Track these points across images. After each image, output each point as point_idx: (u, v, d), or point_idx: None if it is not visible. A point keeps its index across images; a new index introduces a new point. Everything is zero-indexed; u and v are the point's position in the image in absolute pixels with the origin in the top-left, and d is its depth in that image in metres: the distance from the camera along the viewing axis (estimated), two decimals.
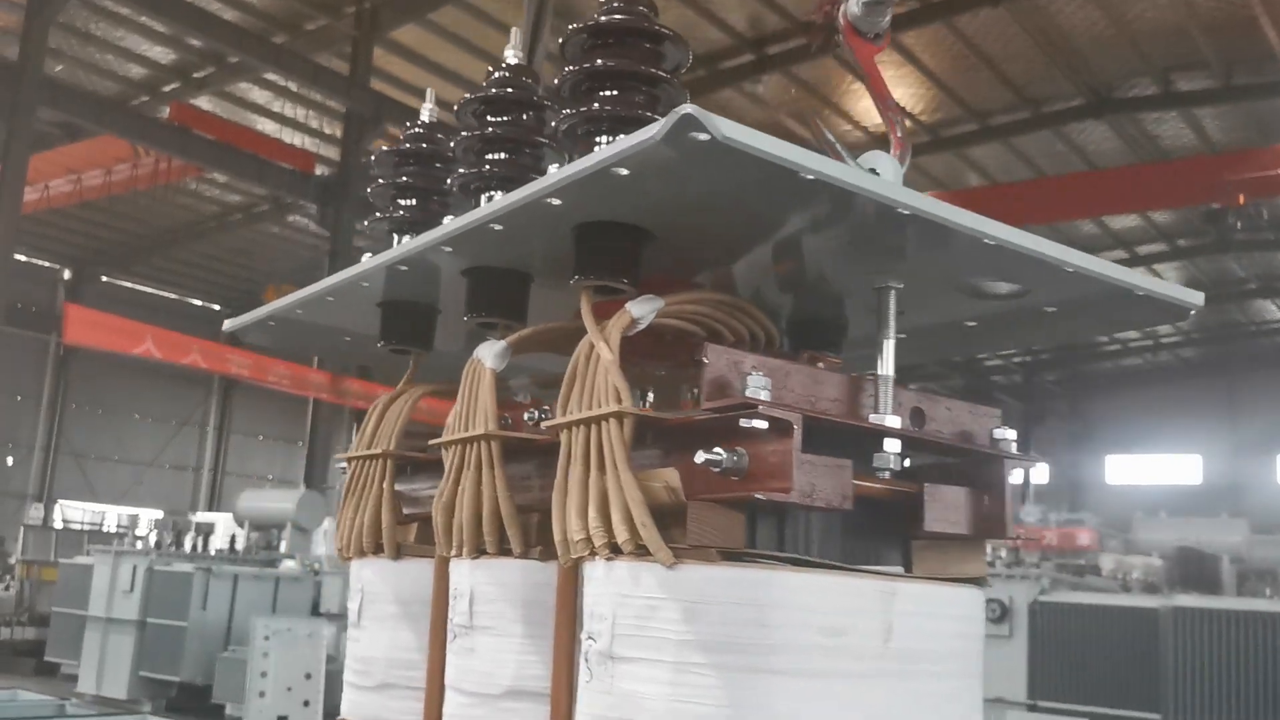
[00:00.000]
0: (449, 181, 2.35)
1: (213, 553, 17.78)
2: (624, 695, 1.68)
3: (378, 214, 2.59)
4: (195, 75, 23.79)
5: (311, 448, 22.94)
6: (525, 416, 2.11)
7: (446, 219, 2.27)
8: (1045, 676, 11.78)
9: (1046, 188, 24.60)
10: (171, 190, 25.13)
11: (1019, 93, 23.07)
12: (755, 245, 1.92)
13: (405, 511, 2.45)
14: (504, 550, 2.06)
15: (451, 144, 2.48)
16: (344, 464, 2.64)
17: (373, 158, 2.62)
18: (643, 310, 1.86)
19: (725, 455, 1.66)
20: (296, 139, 25.51)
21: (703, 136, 1.49)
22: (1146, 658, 10.87)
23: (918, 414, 1.89)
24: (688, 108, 1.46)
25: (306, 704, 14.29)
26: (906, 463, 1.84)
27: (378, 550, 2.42)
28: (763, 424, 1.64)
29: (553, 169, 1.94)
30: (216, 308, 34.44)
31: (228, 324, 2.77)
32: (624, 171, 1.64)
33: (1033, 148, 24.94)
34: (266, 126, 25.38)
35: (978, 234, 1.69)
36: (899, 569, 1.94)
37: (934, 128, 24.24)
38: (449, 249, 2.07)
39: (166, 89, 24.13)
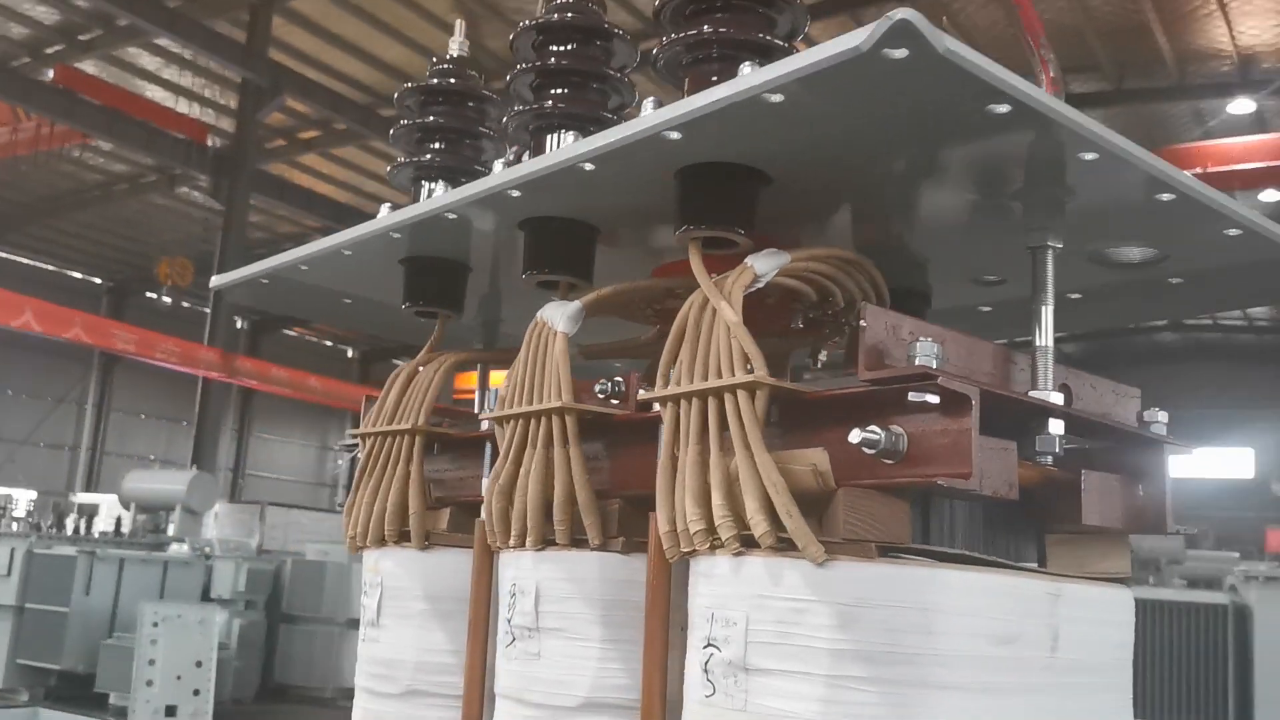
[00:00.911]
0: (504, 121, 2.06)
1: (96, 535, 16.99)
2: (762, 713, 1.43)
3: (400, 159, 2.29)
4: (81, 38, 22.65)
5: (200, 427, 22.08)
6: (596, 389, 1.84)
7: (498, 165, 1.99)
8: None
9: None
10: (54, 157, 23.90)
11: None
12: (889, 194, 1.68)
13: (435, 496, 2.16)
14: (576, 541, 1.80)
15: (481, 82, 2.20)
16: (355, 441, 2.34)
17: (395, 96, 2.32)
18: (767, 265, 1.61)
19: (883, 434, 1.43)
20: (189, 108, 24.52)
21: (898, 54, 1.25)
22: None
23: (1065, 391, 1.67)
24: (905, 12, 1.21)
25: (197, 693, 13.73)
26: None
27: (402, 539, 2.13)
28: (934, 398, 1.41)
29: (648, 105, 1.68)
30: (98, 281, 33.05)
31: (215, 280, 2.44)
32: (776, 99, 1.39)
33: None
34: (157, 94, 24.33)
35: (1194, 192, 1.49)
36: (1034, 567, 1.73)
37: None
38: (517, 193, 1.78)
39: (50, 51, 22.94)
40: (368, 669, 2.14)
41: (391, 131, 2.31)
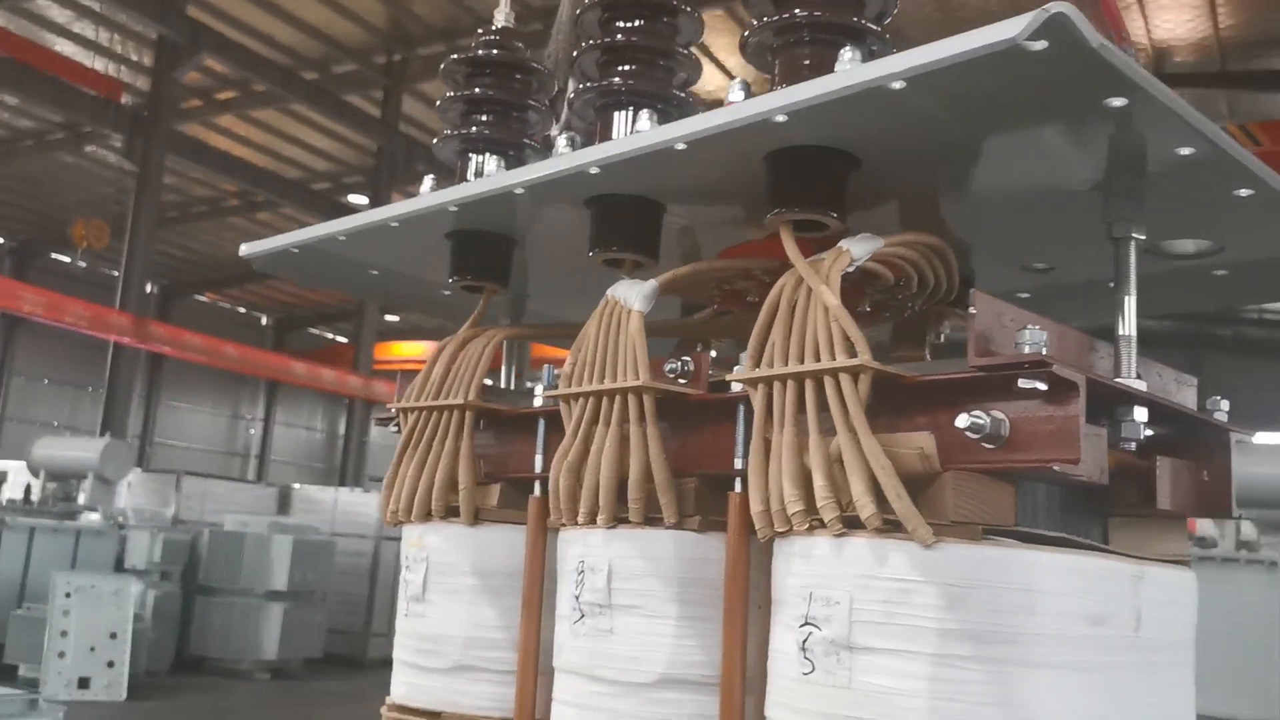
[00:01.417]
0: (569, 96, 2.05)
1: (4, 503, 16.53)
2: (868, 691, 1.46)
3: (447, 131, 2.26)
4: None
5: (110, 394, 21.53)
6: (666, 368, 1.84)
7: (561, 141, 1.98)
8: None
9: None
10: None
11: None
12: (975, 180, 1.71)
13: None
14: (648, 520, 1.81)
15: (527, 53, 2.18)
16: (392, 415, 2.32)
17: (441, 67, 2.29)
18: (863, 249, 1.64)
19: (988, 420, 1.46)
20: (102, 66, 23.78)
21: (1038, 45, 1.28)
22: None
23: (1139, 378, 1.72)
24: (1060, 6, 1.24)
25: (111, 665, 13.48)
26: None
27: (449, 514, 2.12)
28: (1044, 385, 1.44)
29: (735, 88, 1.69)
30: (1, 240, 31.99)
31: (245, 249, 2.39)
32: (898, 85, 1.41)
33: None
34: (67, 49, 23.56)
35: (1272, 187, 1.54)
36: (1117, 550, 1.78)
37: None
38: (596, 170, 1.78)
39: None
40: (411, 644, 2.13)
41: (438, 103, 2.28)
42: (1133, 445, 1.61)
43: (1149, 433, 1.64)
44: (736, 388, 1.74)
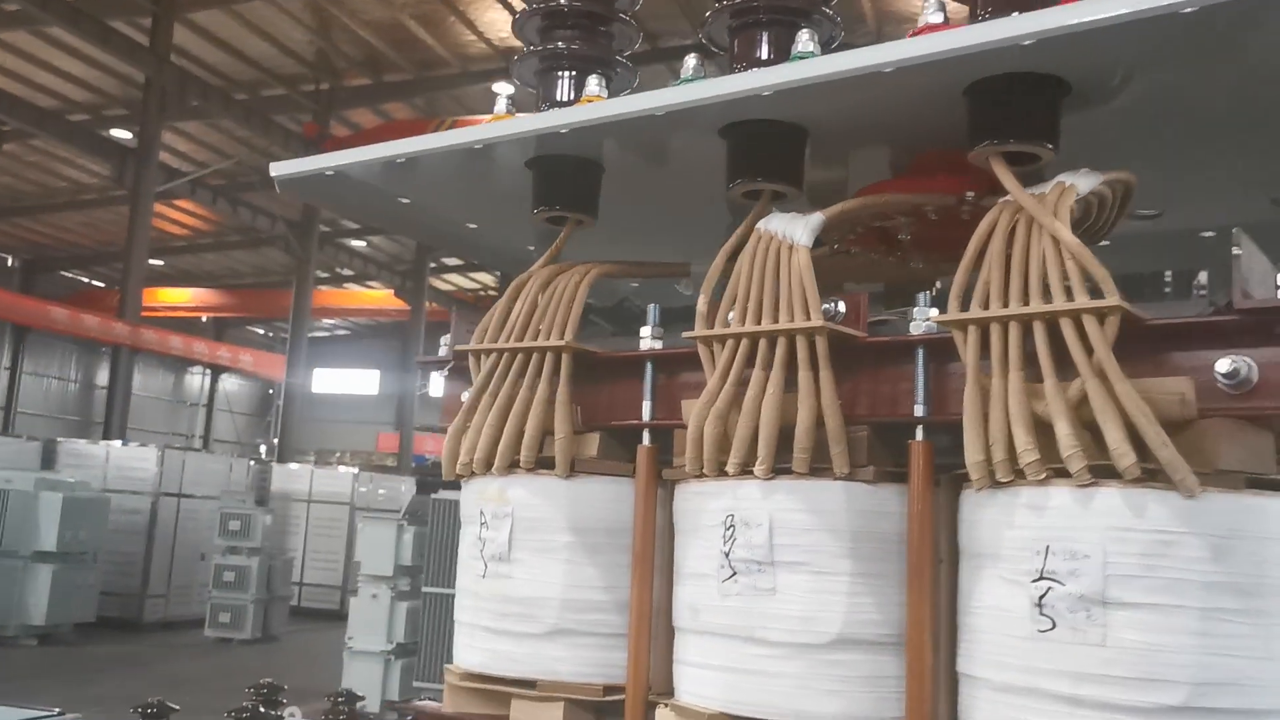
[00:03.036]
0: (708, 16, 1.87)
1: None
2: (1126, 647, 1.39)
3: (529, 47, 2.05)
4: None
5: None
6: (823, 308, 1.72)
7: (689, 61, 1.82)
8: None
9: None
10: None
11: (640, 24, 23.39)
12: (1163, 121, 1.66)
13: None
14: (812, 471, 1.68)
15: None
16: (443, 358, 2.10)
17: None
18: (1087, 184, 1.55)
19: (1244, 364, 1.41)
20: None
21: None
22: None
23: None
24: None
25: None
26: None
27: (538, 466, 1.93)
28: None
29: (930, 8, 1.57)
30: None
31: (276, 168, 2.11)
32: (1190, 9, 1.33)
33: (645, 79, 25.42)
34: None
35: None
36: None
37: None
38: (769, 94, 1.63)
39: None
40: (492, 607, 1.94)
41: (514, 19, 2.06)
42: None
43: None
44: (918, 329, 1.64)
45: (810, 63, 1.63)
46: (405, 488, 22.44)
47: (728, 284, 1.80)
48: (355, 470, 21.50)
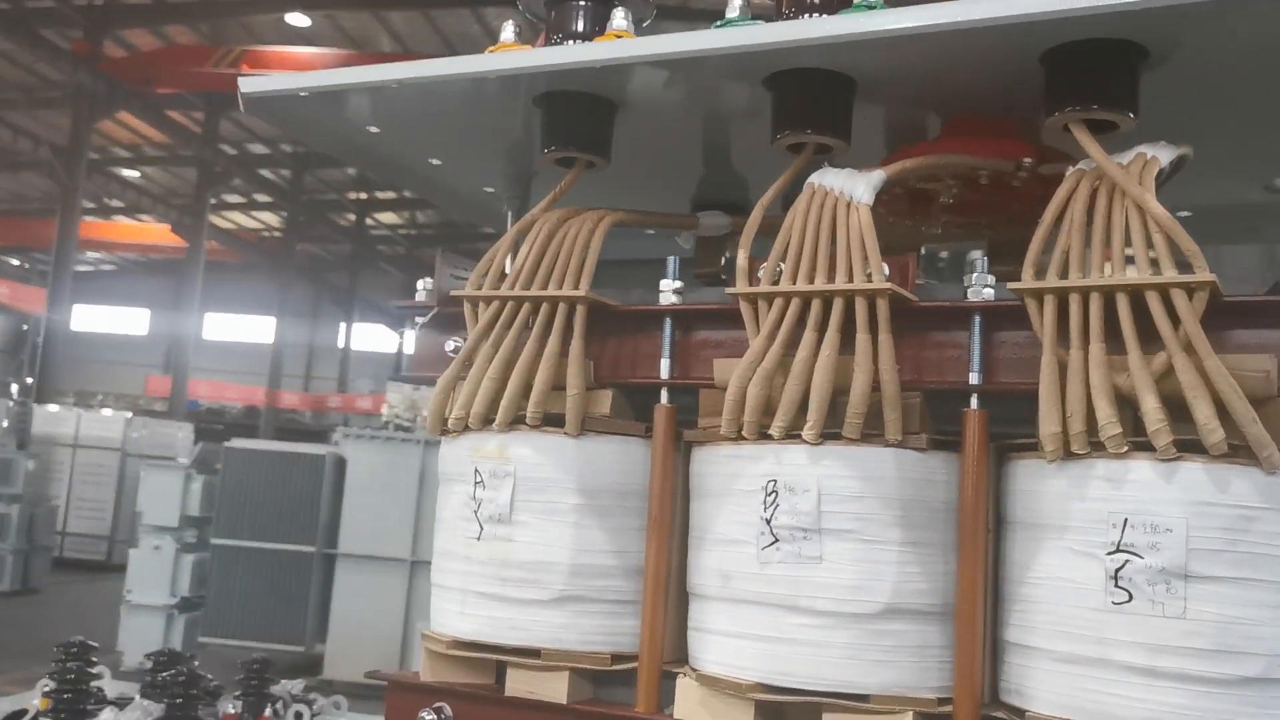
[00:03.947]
0: None
1: None
2: (1206, 619, 1.41)
3: None
4: None
5: None
6: None
7: (736, 2, 1.72)
8: None
9: None
10: None
11: None
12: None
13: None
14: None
15: None
16: (426, 303, 1.96)
17: None
18: (1168, 156, 1.55)
19: None
20: None
21: None
22: None
23: None
24: None
25: None
26: None
27: (544, 423, 1.81)
28: None
29: None
30: None
31: (246, 84, 1.90)
32: None
33: (449, 24, 24.89)
34: None
35: None
36: None
37: None
38: (830, 43, 1.57)
39: None
40: (490, 571, 1.82)
41: None
42: None
43: None
44: (979, 295, 1.61)
45: (884, 14, 1.57)
46: (182, 434, 21.44)
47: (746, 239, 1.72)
48: (128, 415, 20.37)
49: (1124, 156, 1.56)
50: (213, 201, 28.46)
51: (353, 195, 31.84)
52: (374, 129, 2.04)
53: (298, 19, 22.59)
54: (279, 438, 24.33)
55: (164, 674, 4.31)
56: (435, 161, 2.21)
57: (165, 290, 33.77)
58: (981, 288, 1.63)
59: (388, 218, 33.96)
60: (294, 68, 22.01)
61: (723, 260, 2.24)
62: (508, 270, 1.92)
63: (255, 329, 35.80)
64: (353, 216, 33.37)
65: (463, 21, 24.90)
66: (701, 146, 2.06)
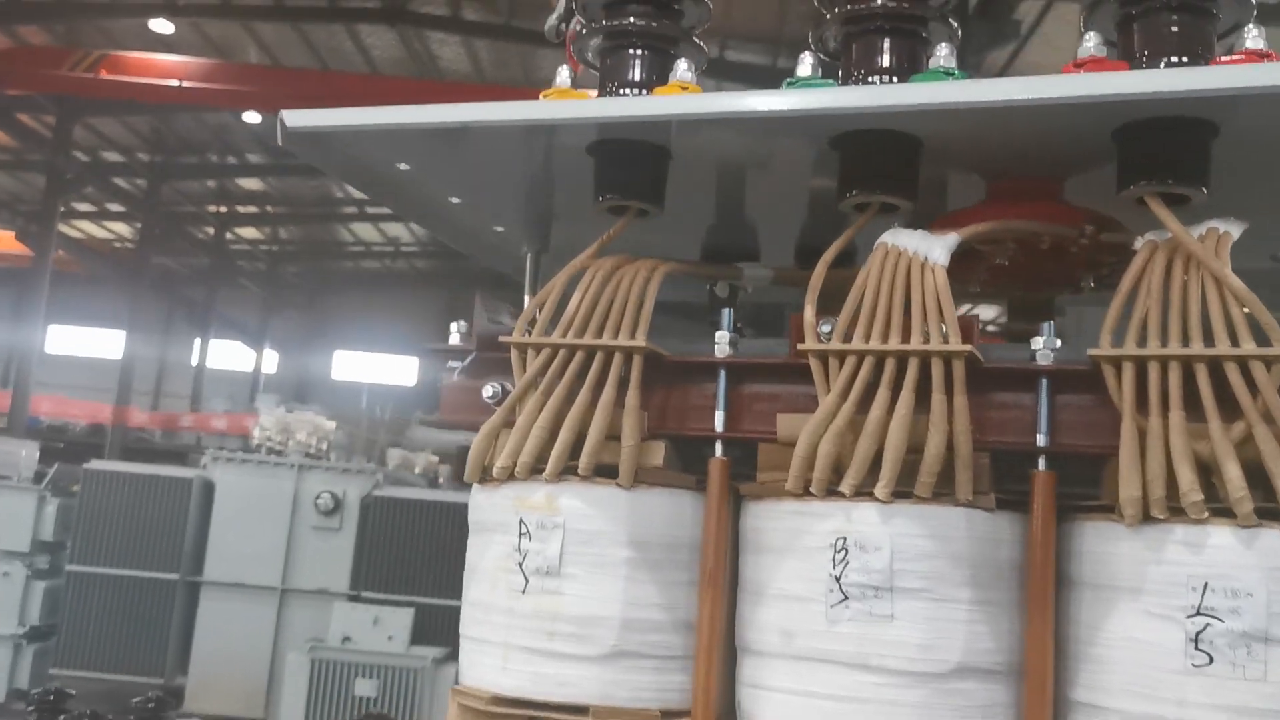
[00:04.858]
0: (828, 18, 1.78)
1: None
2: None
3: (591, 23, 1.88)
4: None
5: None
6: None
7: (807, 59, 1.73)
8: (372, 567, 11.89)
9: (327, 80, 24.28)
10: None
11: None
12: None
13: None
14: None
15: None
16: (460, 346, 1.91)
17: None
18: (1239, 230, 1.61)
19: None
20: None
21: None
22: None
23: None
24: None
25: None
26: None
27: (596, 474, 1.78)
28: None
29: (1090, 42, 1.59)
30: None
31: (291, 116, 1.82)
32: None
33: (321, 38, 24.48)
34: None
35: None
36: None
37: None
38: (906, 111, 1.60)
39: None
40: (540, 626, 1.77)
41: None
42: None
43: None
44: (1047, 359, 1.65)
45: (964, 85, 1.60)
46: (25, 452, 20.36)
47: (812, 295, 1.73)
48: None
49: (1196, 229, 1.61)
50: (62, 210, 27.32)
51: (213, 208, 30.97)
52: (404, 165, 1.99)
53: (161, 25, 21.89)
54: (126, 457, 23.37)
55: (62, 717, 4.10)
56: (455, 200, 2.16)
57: (6, 301, 32.25)
58: (1049, 351, 1.66)
59: (249, 233, 33.11)
60: (156, 75, 21.36)
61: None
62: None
63: (103, 343, 34.43)
64: (212, 230, 32.42)
65: (335, 36, 24.53)
66: (723, 194, 2.07)
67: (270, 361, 35.47)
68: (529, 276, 2.25)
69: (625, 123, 1.74)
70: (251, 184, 29.36)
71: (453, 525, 11.67)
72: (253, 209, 30.60)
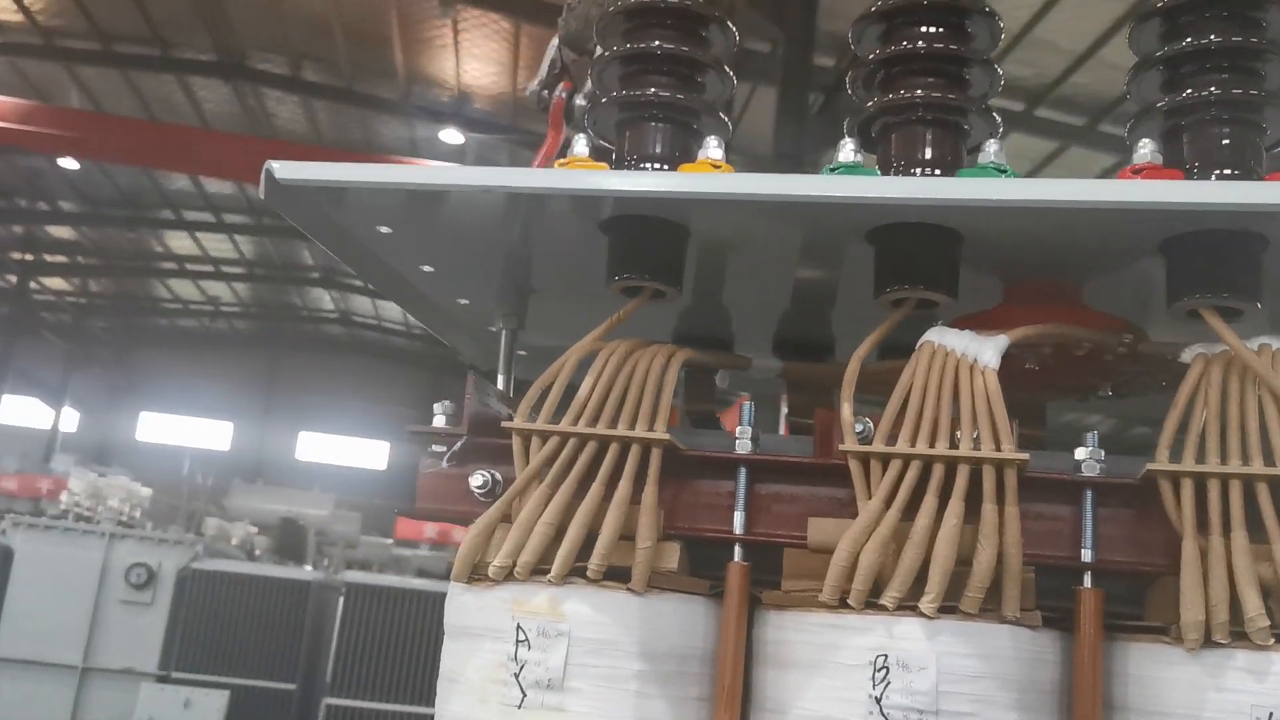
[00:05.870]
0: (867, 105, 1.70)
1: None
2: None
3: (624, 90, 1.75)
4: None
5: None
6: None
7: (849, 146, 1.65)
8: (186, 646, 11.19)
9: (161, 131, 23.44)
10: None
11: (154, 29, 21.75)
12: None
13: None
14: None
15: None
16: (445, 429, 1.74)
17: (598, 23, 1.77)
18: None
19: None
20: None
21: None
22: (290, 628, 10.85)
23: None
24: None
25: None
26: None
27: (607, 578, 1.62)
28: None
29: (1144, 149, 1.57)
30: None
31: (279, 169, 1.63)
32: None
33: (151, 86, 23.66)
34: None
35: None
36: None
37: (49, 33, 21.80)
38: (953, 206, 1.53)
39: None
40: None
41: (595, 55, 1.76)
42: None
43: None
44: (1093, 470, 1.58)
45: (1029, 184, 1.53)
46: None
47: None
48: None
49: (1249, 343, 1.58)
50: None
51: (16, 255, 29.31)
52: (385, 229, 1.82)
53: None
54: None
55: None
56: (427, 269, 1.99)
57: None
58: (1095, 463, 1.60)
59: (56, 283, 31.42)
60: None
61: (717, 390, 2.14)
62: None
63: None
64: (14, 278, 30.64)
65: (165, 85, 23.72)
66: (730, 279, 1.96)
67: (70, 420, 33.53)
68: (504, 353, 2.08)
69: (657, 199, 1.61)
70: (62, 232, 27.98)
71: (277, 601, 11.10)
72: (61, 258, 29.08)
